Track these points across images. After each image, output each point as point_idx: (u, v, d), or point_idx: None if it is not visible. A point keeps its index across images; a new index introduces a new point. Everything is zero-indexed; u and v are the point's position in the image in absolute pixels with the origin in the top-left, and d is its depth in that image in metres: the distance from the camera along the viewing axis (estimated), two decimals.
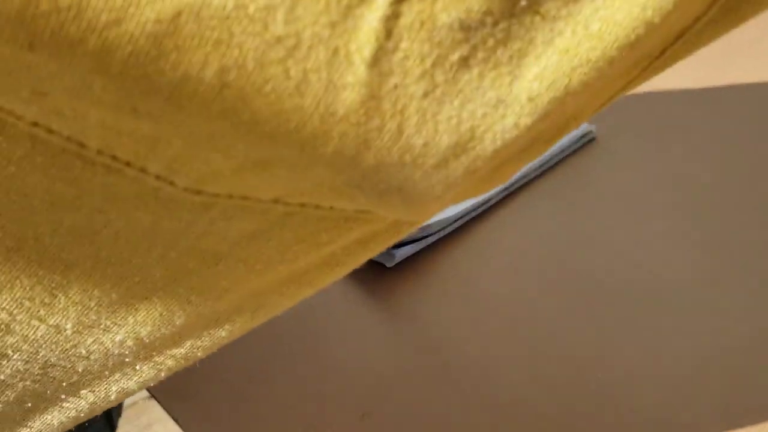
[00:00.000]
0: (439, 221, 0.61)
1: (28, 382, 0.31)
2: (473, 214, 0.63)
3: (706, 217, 0.61)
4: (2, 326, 0.29)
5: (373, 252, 0.31)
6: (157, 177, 0.25)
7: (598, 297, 0.57)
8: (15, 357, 0.30)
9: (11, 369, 0.30)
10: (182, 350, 0.32)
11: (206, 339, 0.32)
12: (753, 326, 0.53)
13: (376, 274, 0.59)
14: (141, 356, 0.31)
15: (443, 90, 0.25)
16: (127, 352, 0.31)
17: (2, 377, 0.30)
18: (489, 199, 0.63)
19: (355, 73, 0.23)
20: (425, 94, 0.25)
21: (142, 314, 0.30)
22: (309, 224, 0.29)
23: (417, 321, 0.57)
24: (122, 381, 0.32)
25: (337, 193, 0.27)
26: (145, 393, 0.55)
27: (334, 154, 0.24)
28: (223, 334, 0.32)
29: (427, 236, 0.61)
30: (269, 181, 0.26)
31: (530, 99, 0.26)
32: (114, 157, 0.25)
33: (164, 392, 0.54)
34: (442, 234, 0.61)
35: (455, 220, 0.62)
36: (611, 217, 0.62)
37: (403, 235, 0.31)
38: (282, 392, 0.53)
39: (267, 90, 0.23)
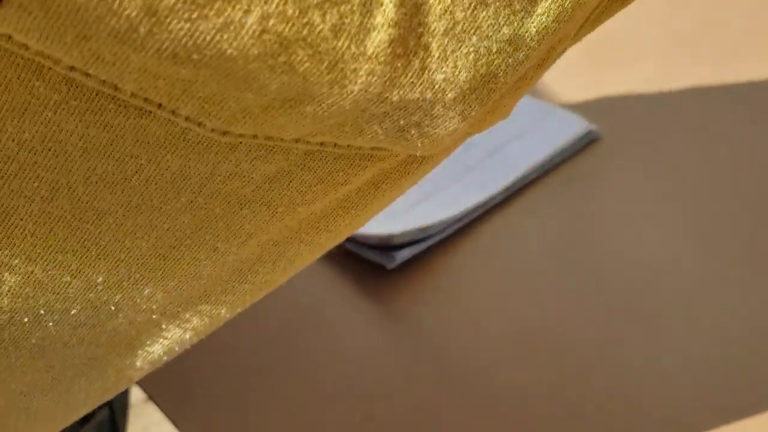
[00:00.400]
0: (440, 222, 0.61)
1: (58, 345, 0.31)
2: (474, 215, 0.63)
3: (710, 218, 0.61)
4: (35, 284, 0.29)
5: (384, 195, 0.32)
6: (187, 118, 0.26)
7: (600, 297, 0.57)
8: (47, 317, 0.30)
9: (43, 331, 0.30)
10: (207, 306, 0.32)
11: (230, 293, 0.33)
12: (755, 326, 0.53)
13: (377, 276, 0.59)
14: (168, 313, 0.32)
15: (462, 27, 0.26)
16: (154, 307, 0.31)
17: (33, 340, 0.30)
18: (490, 200, 0.63)
19: (384, 13, 0.25)
20: (446, 32, 0.26)
21: (171, 264, 0.30)
22: (327, 164, 0.30)
23: (417, 322, 0.57)
24: (148, 343, 0.33)
25: (358, 130, 0.28)
26: (142, 395, 0.55)
27: (362, 91, 0.26)
28: (246, 287, 0.33)
29: (427, 238, 0.60)
30: (295, 119, 0.27)
31: (538, 32, 0.27)
32: (146, 100, 0.25)
33: (162, 395, 0.53)
34: (442, 235, 0.61)
35: (456, 222, 0.62)
36: (613, 217, 0.62)
37: (412, 178, 0.32)
38: (281, 395, 0.53)
39: (305, 34, 0.24)
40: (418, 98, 0.27)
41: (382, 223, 0.60)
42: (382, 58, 0.25)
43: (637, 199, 0.63)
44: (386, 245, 0.59)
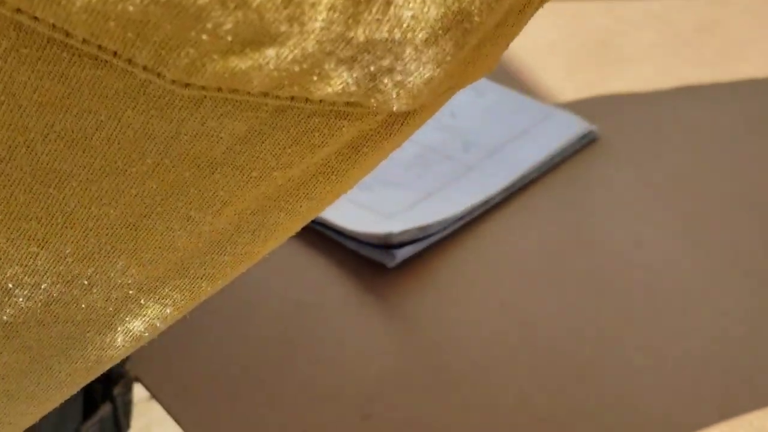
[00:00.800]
0: (440, 222, 0.61)
1: (31, 323, 0.30)
2: (474, 214, 0.63)
3: (708, 217, 0.61)
4: (1, 255, 0.28)
5: (365, 158, 0.31)
6: (145, 68, 0.25)
7: (599, 297, 0.57)
8: (17, 292, 0.29)
9: (13, 308, 0.29)
10: (186, 280, 0.31)
11: (209, 266, 0.31)
12: (753, 326, 0.53)
13: (377, 275, 0.59)
14: (145, 288, 0.31)
15: None
16: (130, 282, 0.30)
17: (5, 317, 0.29)
18: (490, 199, 0.63)
19: None
20: None
21: (143, 234, 0.29)
22: (300, 123, 0.28)
23: (418, 321, 0.57)
24: (128, 319, 0.31)
25: (326, 78, 0.26)
26: (145, 394, 0.55)
27: (324, 30, 0.24)
28: (225, 258, 0.31)
29: (428, 236, 0.61)
30: (259, 65, 0.25)
31: None
32: (100, 47, 0.24)
33: (164, 393, 0.54)
34: (443, 234, 0.61)
35: (456, 221, 0.62)
36: (613, 217, 0.62)
37: (394, 140, 0.31)
38: (282, 393, 0.53)
39: None
40: (386, 38, 0.25)
41: (381, 223, 0.60)
42: None
43: (637, 200, 0.64)
44: (385, 244, 0.59)
